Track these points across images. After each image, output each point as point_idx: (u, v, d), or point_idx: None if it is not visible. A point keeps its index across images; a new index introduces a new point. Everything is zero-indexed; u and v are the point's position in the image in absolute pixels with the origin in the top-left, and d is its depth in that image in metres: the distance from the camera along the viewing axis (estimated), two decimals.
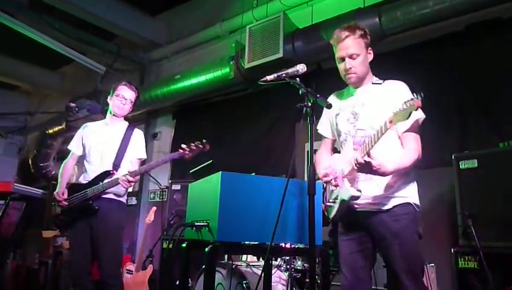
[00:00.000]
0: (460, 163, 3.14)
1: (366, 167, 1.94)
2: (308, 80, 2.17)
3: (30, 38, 5.76)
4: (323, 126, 2.45)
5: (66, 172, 3.47)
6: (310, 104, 1.99)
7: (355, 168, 1.96)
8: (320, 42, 4.23)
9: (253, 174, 2.28)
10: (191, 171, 2.61)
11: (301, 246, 2.15)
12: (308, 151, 1.98)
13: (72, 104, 3.45)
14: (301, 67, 2.09)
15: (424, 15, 3.65)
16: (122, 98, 3.32)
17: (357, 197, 2.06)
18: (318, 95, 1.99)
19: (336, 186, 2.17)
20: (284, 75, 2.10)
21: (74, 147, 3.47)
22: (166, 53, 6.81)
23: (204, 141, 2.98)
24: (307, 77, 2.15)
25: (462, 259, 2.97)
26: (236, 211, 1.96)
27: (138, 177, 3.20)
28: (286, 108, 5.00)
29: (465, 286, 2.92)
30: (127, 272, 4.71)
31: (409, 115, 1.78)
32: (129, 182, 3.05)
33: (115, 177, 3.13)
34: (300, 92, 2.02)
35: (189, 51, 6.51)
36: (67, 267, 5.47)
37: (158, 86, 5.99)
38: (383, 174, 2.00)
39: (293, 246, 2.15)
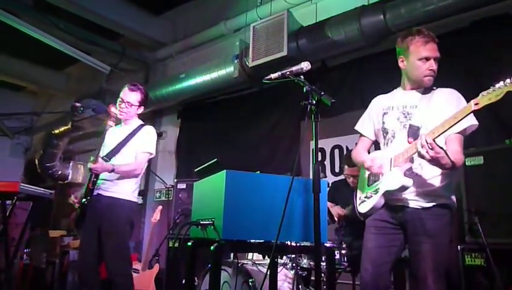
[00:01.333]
0: (466, 160, 3.12)
1: (432, 151, 1.87)
2: (312, 78, 2.17)
3: (35, 38, 5.78)
4: (365, 126, 2.45)
5: None
6: (314, 101, 1.98)
7: (421, 151, 1.89)
8: (325, 40, 4.22)
9: (258, 172, 2.27)
10: (196, 170, 2.61)
11: (307, 244, 2.15)
12: (313, 150, 1.97)
13: (78, 104, 3.44)
14: (305, 65, 2.09)
15: (428, 12, 3.64)
16: (122, 101, 3.29)
17: (407, 188, 2.06)
18: (322, 93, 1.98)
19: (379, 174, 2.17)
20: (288, 73, 2.10)
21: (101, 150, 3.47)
22: (171, 52, 6.82)
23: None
24: (311, 74, 2.14)
25: (468, 256, 2.96)
26: (241, 209, 1.96)
27: (124, 169, 3.15)
28: (291, 106, 5.00)
29: (472, 283, 2.91)
30: (133, 271, 4.72)
31: (503, 96, 1.71)
32: (93, 169, 3.02)
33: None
34: (304, 89, 2.02)
35: (193, 49, 6.52)
36: (75, 267, 5.51)
37: (163, 85, 6.01)
38: (444, 165, 1.96)
39: (298, 244, 2.15)
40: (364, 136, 2.47)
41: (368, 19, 3.96)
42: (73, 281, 5.50)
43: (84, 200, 3.11)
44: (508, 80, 1.69)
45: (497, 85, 1.71)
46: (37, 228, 7.23)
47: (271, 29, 4.56)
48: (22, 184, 3.61)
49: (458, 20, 3.77)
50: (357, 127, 2.50)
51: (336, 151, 4.75)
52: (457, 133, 2.09)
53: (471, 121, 2.07)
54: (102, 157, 3.16)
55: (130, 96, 3.30)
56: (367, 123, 2.46)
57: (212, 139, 5.92)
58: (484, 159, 3.06)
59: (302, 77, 2.09)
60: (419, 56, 2.20)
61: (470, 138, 3.55)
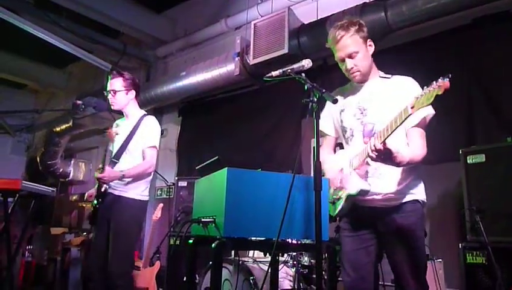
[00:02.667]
0: (467, 158, 3.12)
1: (382, 154, 1.86)
2: (313, 76, 2.17)
3: (36, 36, 5.78)
4: (326, 123, 2.40)
5: None
6: (315, 99, 1.97)
7: (372, 155, 1.88)
8: (326, 37, 4.20)
9: (259, 170, 2.27)
10: (197, 168, 2.60)
11: (308, 241, 2.15)
12: (314, 147, 1.97)
13: (79, 102, 3.43)
14: (307, 63, 2.08)
15: (430, 9, 3.62)
16: (109, 92, 3.28)
17: (367, 192, 2.04)
18: (324, 90, 1.97)
19: (341, 189, 2.15)
20: (289, 70, 2.08)
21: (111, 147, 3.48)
22: (172, 50, 6.82)
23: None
24: (312, 72, 2.14)
25: (470, 254, 2.96)
26: (242, 206, 1.96)
27: (134, 171, 3.11)
28: (292, 104, 4.99)
29: (473, 281, 2.91)
30: (134, 269, 4.73)
31: (434, 99, 1.64)
32: (101, 179, 3.00)
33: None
34: (305, 87, 2.01)
35: (194, 47, 6.52)
36: (76, 264, 5.53)
37: (164, 83, 6.00)
38: (399, 164, 1.94)
39: (299, 241, 2.15)
40: (326, 134, 2.42)
41: (369, 16, 3.94)
42: (74, 278, 5.52)
43: (96, 202, 3.12)
44: (440, 80, 1.63)
45: (428, 88, 1.65)
46: (39, 226, 7.26)
47: (272, 26, 4.54)
48: (23, 182, 3.61)
49: (460, 18, 3.76)
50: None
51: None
52: (416, 126, 2.06)
53: (428, 111, 2.00)
54: (111, 160, 3.16)
55: (113, 84, 3.28)
56: (327, 120, 2.40)
57: (213, 137, 5.92)
58: (486, 157, 3.06)
59: (303, 74, 2.07)
60: (336, 58, 2.21)
61: (471, 136, 3.61)
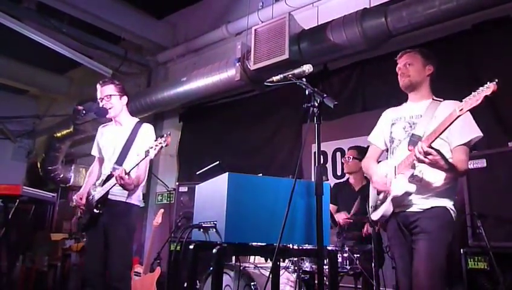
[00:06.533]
0: (469, 163, 3.11)
1: (429, 156, 2.03)
2: (314, 81, 2.18)
3: (38, 42, 5.80)
4: (377, 136, 2.60)
5: (89, 176, 3.45)
6: (316, 104, 1.98)
7: (419, 156, 2.04)
8: (326, 43, 4.22)
9: (260, 175, 2.27)
10: (197, 173, 2.61)
11: (309, 247, 2.14)
12: (315, 152, 1.97)
13: (80, 107, 3.42)
14: (307, 68, 2.09)
15: (430, 15, 3.63)
16: (101, 99, 3.26)
17: (411, 193, 2.18)
18: (325, 95, 1.98)
19: (383, 191, 2.34)
20: (290, 75, 2.10)
21: (94, 150, 3.49)
22: (173, 56, 6.83)
23: (166, 135, 2.84)
24: (313, 77, 2.15)
25: (471, 259, 2.95)
26: (243, 212, 1.95)
27: (135, 176, 3.06)
28: (293, 109, 5.00)
29: (475, 286, 2.90)
30: (135, 274, 4.72)
31: (482, 100, 1.82)
32: (121, 178, 2.90)
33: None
34: (306, 92, 2.02)
35: (195, 53, 6.54)
36: (76, 270, 5.51)
37: (164, 89, 6.01)
38: (441, 167, 2.10)
39: (300, 247, 2.14)
40: (375, 145, 2.61)
41: (369, 22, 3.95)
42: (75, 284, 5.50)
43: (96, 211, 3.07)
44: (486, 85, 1.82)
45: (477, 90, 1.85)
46: (39, 231, 7.24)
47: (273, 32, 4.55)
48: (24, 187, 3.61)
49: (460, 23, 3.77)
50: (369, 139, 2.66)
51: (338, 154, 4.75)
52: (463, 144, 2.22)
53: (476, 133, 2.23)
54: (113, 167, 3.12)
55: (105, 90, 3.27)
56: (377, 132, 2.60)
57: (214, 142, 5.92)
58: (487, 161, 3.06)
59: (304, 79, 2.09)
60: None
61: None
